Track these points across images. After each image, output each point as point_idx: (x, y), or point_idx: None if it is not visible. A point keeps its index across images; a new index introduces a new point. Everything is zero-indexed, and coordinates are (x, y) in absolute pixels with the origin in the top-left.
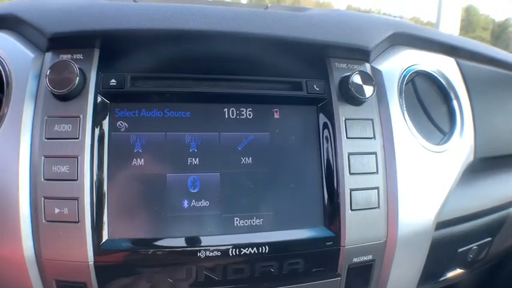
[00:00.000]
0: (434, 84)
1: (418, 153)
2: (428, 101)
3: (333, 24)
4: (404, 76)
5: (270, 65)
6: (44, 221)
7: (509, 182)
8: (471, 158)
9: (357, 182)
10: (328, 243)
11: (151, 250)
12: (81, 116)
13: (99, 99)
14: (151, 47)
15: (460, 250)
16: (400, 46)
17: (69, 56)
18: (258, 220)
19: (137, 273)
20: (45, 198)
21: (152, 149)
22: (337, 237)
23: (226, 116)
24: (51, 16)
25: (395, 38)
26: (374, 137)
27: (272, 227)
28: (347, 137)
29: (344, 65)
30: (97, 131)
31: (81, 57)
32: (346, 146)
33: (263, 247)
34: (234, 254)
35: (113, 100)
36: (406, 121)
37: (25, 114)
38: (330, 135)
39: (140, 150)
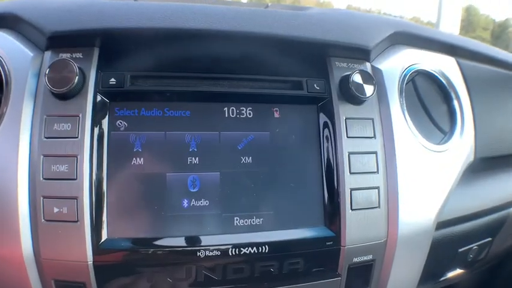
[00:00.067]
0: (434, 84)
1: (418, 152)
2: (429, 100)
3: (333, 23)
4: (405, 75)
5: (270, 64)
6: (43, 220)
7: (510, 182)
8: (471, 158)
9: (357, 182)
10: (329, 243)
11: (151, 250)
12: (80, 115)
13: (98, 98)
14: (152, 46)
15: (460, 250)
16: (401, 45)
17: (68, 54)
18: (258, 220)
19: (136, 273)
20: (44, 197)
21: (152, 148)
22: (337, 237)
23: (226, 115)
24: (51, 15)
25: (395, 37)
26: (374, 137)
27: (272, 226)
28: (347, 136)
29: (344, 64)
30: (96, 130)
31: (81, 56)
32: (347, 146)
33: (263, 247)
34: (233, 253)
35: (113, 99)
36: (406, 120)
37: (24, 113)
38: (330, 135)
39: (140, 150)
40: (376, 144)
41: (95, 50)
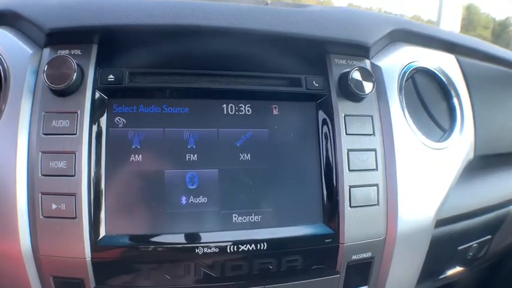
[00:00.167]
0: (434, 81)
1: (417, 150)
2: (428, 98)
3: (333, 20)
4: (404, 73)
5: (269, 61)
6: (41, 216)
7: (509, 180)
8: (471, 156)
9: (356, 179)
10: (327, 240)
11: (149, 246)
12: (78, 112)
13: (97, 94)
14: (150, 43)
15: (459, 248)
16: (400, 43)
17: (67, 51)
18: (256, 217)
19: (134, 270)
20: (43, 194)
21: (150, 145)
22: (336, 234)
23: (225, 112)
24: (49, 12)
25: (395, 34)
26: (373, 134)
27: (271, 223)
28: (346, 134)
29: (343, 61)
30: (95, 126)
31: (79, 53)
32: (346, 143)
33: (261, 244)
34: (232, 250)
35: (111, 96)
36: (406, 118)
37: (23, 110)
38: (329, 132)
39: (138, 146)
40: (375, 142)
41: (94, 46)
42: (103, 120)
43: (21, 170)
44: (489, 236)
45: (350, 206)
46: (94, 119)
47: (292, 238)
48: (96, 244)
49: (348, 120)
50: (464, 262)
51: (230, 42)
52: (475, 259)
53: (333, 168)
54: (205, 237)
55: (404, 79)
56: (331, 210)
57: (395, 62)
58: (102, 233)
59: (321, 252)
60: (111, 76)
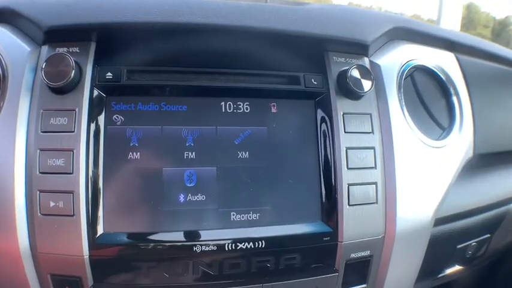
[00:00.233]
0: (433, 79)
1: (416, 148)
2: (428, 96)
3: (332, 18)
4: (404, 71)
5: (267, 58)
6: (39, 214)
7: (509, 178)
8: (470, 154)
9: (354, 177)
10: (326, 239)
11: (147, 244)
12: (76, 109)
13: (95, 92)
14: (148, 40)
15: (459, 246)
16: (400, 41)
17: (65, 49)
18: (254, 215)
19: (132, 268)
20: (40, 191)
21: (148, 143)
22: (334, 232)
23: (223, 110)
24: (48, 9)
25: (394, 32)
26: (372, 132)
27: (269, 221)
28: (345, 132)
29: (342, 59)
30: (93, 124)
31: (77, 51)
32: (344, 141)
33: (260, 242)
34: (230, 248)
35: (109, 93)
36: (405, 116)
37: (21, 108)
38: (327, 130)
39: (136, 144)
40: (374, 140)
41: (92, 44)
42: (101, 117)
43: (19, 168)
44: (488, 235)
45: (349, 204)
46: (92, 116)
47: (290, 236)
48: (94, 242)
49: (346, 118)
50: (464, 261)
51: (228, 40)
52: (474, 258)
53: (331, 166)
54: (203, 235)
55: (404, 77)
56: (329, 209)
57: (394, 60)
58: (100, 230)
59: (319, 250)
60: (109, 74)
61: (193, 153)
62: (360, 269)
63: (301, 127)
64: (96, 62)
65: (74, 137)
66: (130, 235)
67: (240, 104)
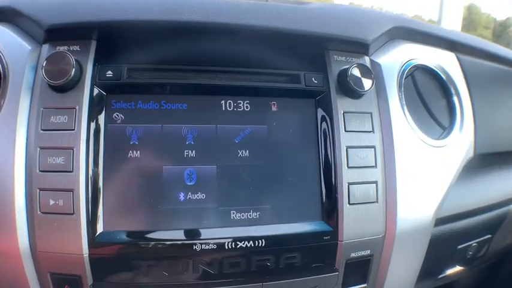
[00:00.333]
0: (434, 79)
1: (417, 147)
2: (428, 95)
3: (332, 17)
4: (404, 70)
5: (268, 57)
6: (39, 212)
7: (510, 179)
8: (471, 154)
9: (355, 176)
10: (326, 238)
11: (147, 243)
12: (77, 108)
13: (95, 90)
14: (149, 39)
15: (459, 247)
16: (400, 40)
17: (65, 47)
18: (255, 213)
19: (132, 266)
20: (40, 189)
21: (148, 141)
22: (334, 231)
23: (224, 109)
24: (48, 8)
25: (395, 31)
26: (373, 131)
27: (269, 220)
28: (345, 131)
29: (343, 58)
30: (93, 122)
31: (78, 49)
32: (345, 140)
33: (260, 241)
34: (230, 247)
35: (109, 92)
36: (405, 115)
37: (21, 106)
38: (328, 129)
39: (136, 142)
40: (375, 139)
41: (92, 42)
42: (101, 116)
43: (19, 166)
44: (489, 235)
45: (349, 203)
46: (92, 114)
47: (290, 235)
48: (93, 240)
49: (347, 117)
50: (464, 261)
51: (229, 39)
52: (475, 258)
53: (331, 165)
54: (203, 233)
55: (404, 76)
56: (330, 208)
57: (394, 59)
58: (100, 229)
59: (319, 249)
60: (109, 72)
61: (194, 151)
62: (360, 268)
63: (302, 126)
64: (96, 61)
65: (74, 135)
66: (130, 233)
67: (240, 103)
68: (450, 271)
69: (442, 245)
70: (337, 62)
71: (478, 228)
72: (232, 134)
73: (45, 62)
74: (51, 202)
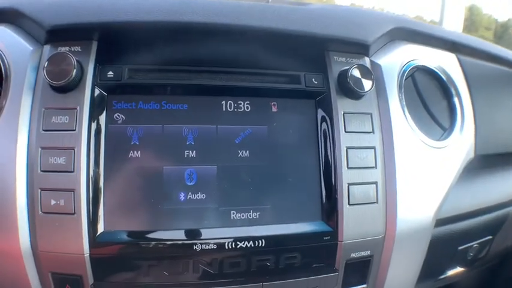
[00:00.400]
0: (434, 80)
1: (417, 148)
2: (429, 96)
3: (333, 18)
4: (404, 71)
5: (268, 58)
6: (40, 212)
7: (510, 180)
8: (472, 155)
9: (355, 177)
10: (326, 238)
11: (147, 243)
12: (78, 108)
13: (96, 91)
14: (149, 40)
15: (460, 248)
16: (401, 41)
17: (67, 48)
18: (255, 214)
19: (133, 266)
20: (42, 189)
21: (149, 142)
22: (334, 232)
23: (224, 109)
24: (50, 9)
25: (395, 32)
26: (373, 131)
27: (269, 220)
28: (345, 131)
29: (343, 59)
30: (94, 123)
31: (79, 50)
32: (345, 140)
33: (260, 241)
34: (230, 247)
35: (110, 92)
36: (405, 116)
37: (23, 106)
38: (328, 129)
39: (137, 143)
40: (375, 139)
41: (93, 43)
42: (102, 116)
43: (21, 166)
44: (490, 237)
45: (349, 204)
46: (93, 115)
47: (290, 235)
48: (94, 240)
49: (347, 118)
50: (465, 262)
51: (230, 39)
52: (475, 259)
53: (331, 165)
54: (203, 233)
55: (404, 77)
56: (329, 208)
57: (395, 60)
58: (101, 229)
59: (319, 249)
60: (110, 72)
61: (194, 152)
62: (360, 269)
63: (302, 126)
64: (97, 61)
65: (75, 136)
66: (130, 233)
67: (240, 103)
68: (451, 272)
69: (443, 246)
70: (338, 63)
71: (478, 229)
72: (232, 134)
73: (46, 63)
74: (53, 202)
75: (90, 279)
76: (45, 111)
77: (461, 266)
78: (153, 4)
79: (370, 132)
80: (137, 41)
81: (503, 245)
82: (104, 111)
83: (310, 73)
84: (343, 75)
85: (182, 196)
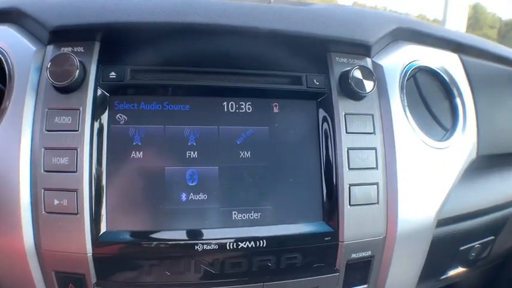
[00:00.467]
0: (436, 80)
1: (419, 149)
2: (431, 97)
3: (335, 18)
4: (406, 71)
5: (270, 59)
6: (43, 212)
7: None
8: (474, 155)
9: (356, 177)
10: (327, 239)
11: (149, 243)
12: (80, 109)
13: (99, 91)
14: (152, 40)
15: (461, 248)
16: (403, 41)
17: (70, 48)
18: (256, 214)
19: (135, 266)
20: (45, 189)
21: (151, 142)
22: (335, 232)
23: (226, 110)
24: (53, 9)
25: (397, 33)
26: (374, 132)
27: (270, 221)
28: (347, 132)
29: (345, 60)
30: (96, 123)
31: (82, 50)
32: (346, 141)
33: (261, 241)
34: (231, 247)
35: (113, 93)
36: (407, 117)
37: (26, 107)
38: (329, 130)
39: (139, 143)
40: (376, 140)
41: (96, 44)
42: (104, 117)
43: (25, 166)
44: (492, 237)
45: (350, 205)
46: (96, 115)
47: (291, 236)
48: (97, 240)
49: (348, 119)
50: (467, 263)
51: (232, 40)
52: (477, 260)
53: (333, 166)
54: (205, 234)
55: (406, 78)
56: (330, 209)
57: (397, 60)
58: (103, 228)
59: (320, 250)
60: (112, 73)
61: (196, 152)
62: (361, 269)
63: (303, 127)
64: (100, 62)
65: (78, 136)
66: (132, 233)
67: (242, 104)
68: (452, 272)
69: (444, 246)
70: (339, 64)
71: (480, 229)
72: (234, 135)
73: (49, 64)
74: (56, 202)
75: (93, 278)
76: (48, 112)
77: (463, 266)
78: (156, 5)
79: (371, 133)
80: (139, 42)
81: (506, 245)
82: (106, 112)
83: (311, 74)
84: (345, 76)
85: (184, 196)
